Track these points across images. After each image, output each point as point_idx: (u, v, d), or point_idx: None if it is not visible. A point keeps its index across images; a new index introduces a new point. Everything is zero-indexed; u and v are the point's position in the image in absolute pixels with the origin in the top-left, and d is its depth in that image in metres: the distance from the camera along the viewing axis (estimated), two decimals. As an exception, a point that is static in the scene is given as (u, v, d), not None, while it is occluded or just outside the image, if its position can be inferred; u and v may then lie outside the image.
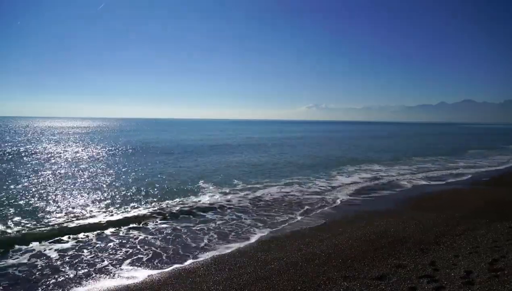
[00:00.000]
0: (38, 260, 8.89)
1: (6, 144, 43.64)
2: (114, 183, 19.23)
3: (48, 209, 13.58)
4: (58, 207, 13.92)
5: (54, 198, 15.43)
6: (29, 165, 25.39)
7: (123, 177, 21.17)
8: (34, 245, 9.87)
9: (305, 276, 7.44)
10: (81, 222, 12.00)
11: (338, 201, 15.71)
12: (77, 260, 8.90)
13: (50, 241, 10.20)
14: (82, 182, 19.40)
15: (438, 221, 11.36)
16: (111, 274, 8.09)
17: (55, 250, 9.55)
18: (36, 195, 15.74)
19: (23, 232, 10.84)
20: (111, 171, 23.29)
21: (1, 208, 13.41)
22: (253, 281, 7.34)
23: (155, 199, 15.59)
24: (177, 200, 15.51)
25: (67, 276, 7.96)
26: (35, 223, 11.75)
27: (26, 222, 11.81)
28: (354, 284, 6.86)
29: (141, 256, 9.22)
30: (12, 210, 13.16)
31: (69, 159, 29.93)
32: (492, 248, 8.47)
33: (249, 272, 7.81)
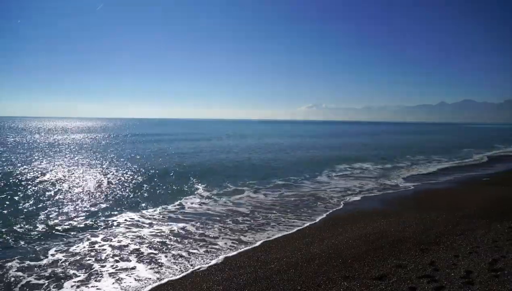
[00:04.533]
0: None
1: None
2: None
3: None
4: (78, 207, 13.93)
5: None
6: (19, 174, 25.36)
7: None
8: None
9: (305, 276, 7.43)
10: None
11: (338, 201, 15.68)
12: (78, 257, 8.92)
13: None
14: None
15: (438, 221, 11.35)
16: (112, 274, 8.09)
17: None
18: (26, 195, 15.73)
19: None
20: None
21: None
22: (253, 281, 7.33)
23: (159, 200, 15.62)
24: (176, 202, 15.51)
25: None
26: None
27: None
28: (354, 284, 6.85)
29: (142, 255, 9.23)
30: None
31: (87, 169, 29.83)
32: (492, 248, 8.47)
33: (249, 272, 7.80)
